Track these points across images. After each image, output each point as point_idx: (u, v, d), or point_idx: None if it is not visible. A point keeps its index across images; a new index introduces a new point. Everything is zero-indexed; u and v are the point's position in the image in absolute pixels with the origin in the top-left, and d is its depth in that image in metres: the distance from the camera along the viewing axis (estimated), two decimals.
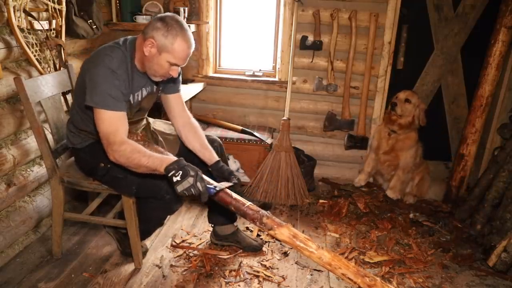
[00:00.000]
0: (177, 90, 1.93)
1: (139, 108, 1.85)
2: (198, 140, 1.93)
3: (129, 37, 1.73)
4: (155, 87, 1.85)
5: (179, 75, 1.86)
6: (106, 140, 1.57)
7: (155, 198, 1.77)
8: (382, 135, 2.90)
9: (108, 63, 1.60)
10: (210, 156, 1.90)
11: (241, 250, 2.18)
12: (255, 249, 2.19)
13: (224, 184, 1.61)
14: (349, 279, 1.46)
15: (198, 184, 1.47)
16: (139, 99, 1.80)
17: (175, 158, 1.54)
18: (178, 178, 1.47)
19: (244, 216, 1.56)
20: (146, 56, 1.64)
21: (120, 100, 1.62)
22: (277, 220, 1.54)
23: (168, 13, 1.66)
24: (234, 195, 1.59)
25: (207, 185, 1.52)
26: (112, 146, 1.56)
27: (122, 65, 1.64)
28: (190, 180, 1.46)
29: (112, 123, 1.58)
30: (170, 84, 1.90)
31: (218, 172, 1.85)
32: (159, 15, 1.64)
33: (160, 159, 1.54)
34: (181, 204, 1.84)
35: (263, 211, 1.56)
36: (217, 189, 1.54)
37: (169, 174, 1.48)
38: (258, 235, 2.34)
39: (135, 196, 1.84)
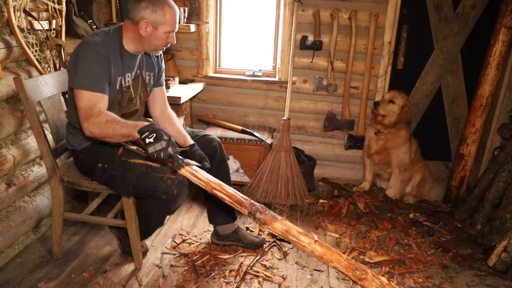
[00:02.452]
0: (161, 84, 2.06)
1: (129, 95, 1.86)
2: (174, 127, 2.00)
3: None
4: (140, 72, 1.90)
5: (162, 72, 2.04)
6: (84, 114, 1.60)
7: (153, 198, 1.77)
8: (371, 135, 2.92)
9: (91, 44, 1.66)
10: (185, 140, 1.96)
11: (241, 250, 2.18)
12: (257, 246, 2.21)
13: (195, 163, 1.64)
14: (341, 272, 1.49)
15: (170, 149, 1.49)
16: (130, 80, 1.84)
17: (147, 122, 1.58)
18: (151, 140, 1.49)
19: (239, 206, 1.58)
20: (143, 37, 1.72)
21: (100, 80, 1.65)
22: (271, 213, 1.55)
23: None
24: (228, 188, 1.59)
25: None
26: (89, 119, 1.58)
27: (109, 46, 1.70)
28: (163, 143, 1.48)
29: (91, 99, 1.62)
30: (156, 77, 2.01)
31: (191, 155, 1.90)
32: None
33: (134, 124, 1.57)
34: (179, 204, 1.83)
35: (258, 205, 1.56)
36: (185, 161, 1.56)
37: (143, 136, 1.50)
38: (259, 235, 2.34)
39: (134, 196, 1.84)
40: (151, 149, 1.49)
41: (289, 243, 2.22)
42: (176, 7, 1.75)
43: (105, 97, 1.67)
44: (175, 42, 1.83)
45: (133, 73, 1.86)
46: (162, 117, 2.04)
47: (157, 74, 2.01)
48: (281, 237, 1.57)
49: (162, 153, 1.49)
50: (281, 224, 1.53)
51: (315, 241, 1.50)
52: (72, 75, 1.66)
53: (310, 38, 2.96)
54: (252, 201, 1.58)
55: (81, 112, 1.62)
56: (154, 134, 1.49)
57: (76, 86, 1.64)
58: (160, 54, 2.01)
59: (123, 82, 1.79)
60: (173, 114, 2.08)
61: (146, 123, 1.56)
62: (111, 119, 1.59)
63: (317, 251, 1.49)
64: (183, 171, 1.64)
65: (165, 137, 1.50)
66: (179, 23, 1.83)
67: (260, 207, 1.55)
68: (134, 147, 1.74)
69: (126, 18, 1.75)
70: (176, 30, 1.78)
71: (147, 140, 1.49)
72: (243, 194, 1.62)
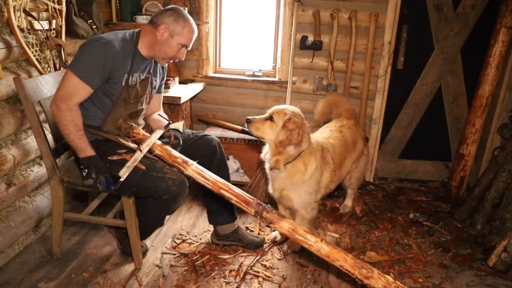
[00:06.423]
0: (160, 91, 2.15)
1: (135, 93, 1.87)
2: (155, 122, 2.08)
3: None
4: (149, 75, 1.94)
5: (164, 81, 2.13)
6: (60, 96, 1.69)
7: (153, 198, 1.78)
8: (268, 170, 2.12)
9: (101, 40, 1.72)
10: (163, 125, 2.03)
11: (241, 250, 2.18)
12: (257, 246, 2.21)
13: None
14: (347, 270, 1.49)
15: (98, 185, 1.71)
16: (137, 81, 1.87)
17: (91, 154, 1.73)
18: (84, 174, 1.72)
19: (246, 206, 1.58)
20: (158, 40, 1.81)
21: (93, 72, 1.69)
22: (278, 213, 1.56)
23: (173, 5, 1.98)
24: (235, 188, 1.60)
25: (109, 183, 1.73)
26: (61, 104, 1.68)
27: (122, 46, 1.76)
28: (90, 181, 1.71)
29: (74, 88, 1.69)
30: (159, 84, 2.09)
31: (165, 135, 1.95)
32: (167, 7, 1.88)
33: (81, 146, 1.73)
34: (179, 204, 1.84)
35: (264, 204, 1.57)
36: (116, 186, 1.72)
37: (80, 166, 1.74)
38: (259, 235, 2.34)
39: (134, 196, 1.84)
40: (84, 182, 1.73)
41: None
42: (196, 29, 1.87)
43: (88, 89, 1.71)
44: (183, 59, 1.92)
45: (143, 75, 1.90)
46: (151, 117, 2.11)
47: (160, 81, 2.08)
48: None
49: (93, 187, 1.72)
50: (287, 223, 1.54)
51: (321, 240, 1.50)
52: (73, 60, 1.73)
53: (310, 38, 2.95)
54: (259, 200, 1.59)
55: (60, 92, 1.69)
56: (86, 170, 1.70)
57: (70, 67, 1.70)
58: (164, 67, 2.07)
59: (130, 80, 1.81)
60: (161, 114, 2.14)
61: (88, 154, 1.73)
62: (74, 123, 1.69)
63: (323, 250, 1.50)
64: (190, 171, 1.65)
65: (93, 176, 1.70)
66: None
67: (266, 207, 1.56)
68: (135, 146, 1.74)
69: (148, 23, 1.86)
70: (188, 48, 1.88)
71: (83, 173, 1.72)
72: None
